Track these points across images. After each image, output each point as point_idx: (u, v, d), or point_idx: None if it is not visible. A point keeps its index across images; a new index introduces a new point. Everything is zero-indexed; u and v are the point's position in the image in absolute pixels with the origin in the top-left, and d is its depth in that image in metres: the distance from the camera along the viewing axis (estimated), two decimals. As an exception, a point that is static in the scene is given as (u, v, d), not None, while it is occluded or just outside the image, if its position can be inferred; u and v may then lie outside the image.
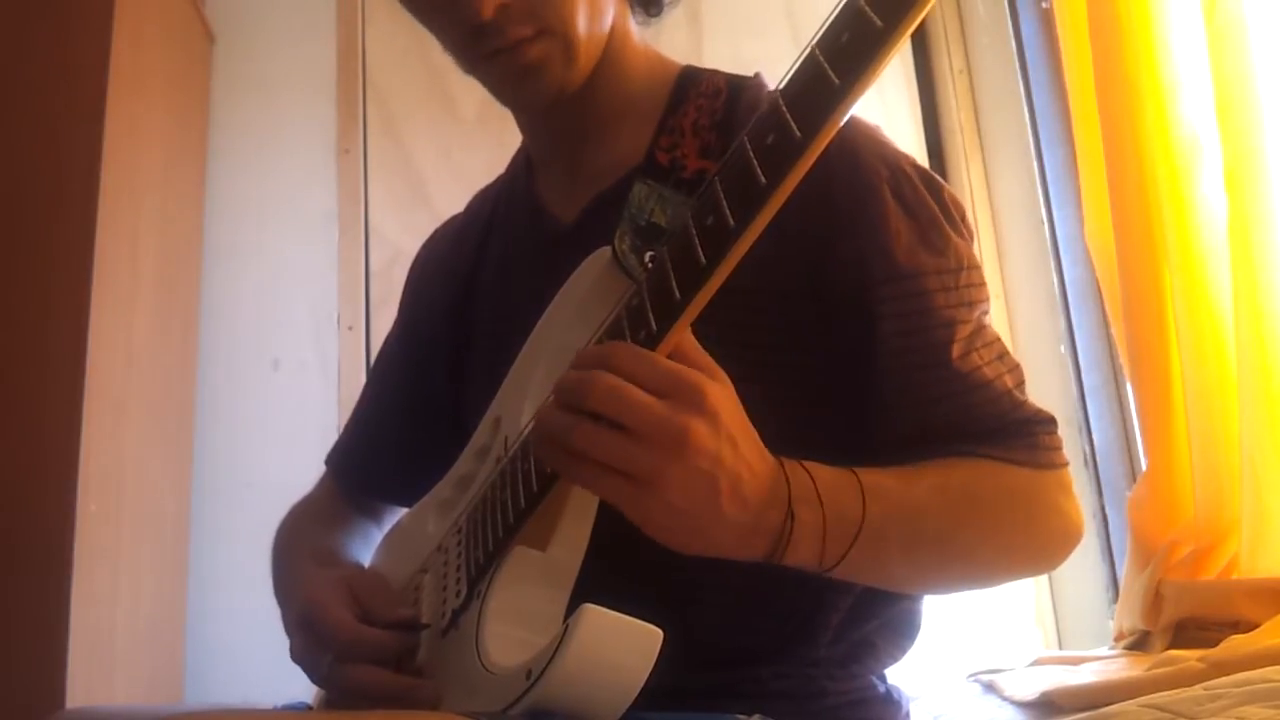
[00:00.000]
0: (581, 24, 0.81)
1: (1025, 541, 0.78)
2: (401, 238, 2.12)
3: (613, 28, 0.87)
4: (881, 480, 0.70)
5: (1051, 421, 0.80)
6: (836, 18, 0.55)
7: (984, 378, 0.77)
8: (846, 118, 0.56)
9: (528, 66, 0.82)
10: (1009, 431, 0.77)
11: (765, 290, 0.78)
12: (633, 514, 0.62)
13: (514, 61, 0.82)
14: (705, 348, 0.64)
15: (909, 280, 0.77)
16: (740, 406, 0.64)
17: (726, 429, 0.61)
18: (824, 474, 0.67)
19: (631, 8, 0.91)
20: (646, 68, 0.91)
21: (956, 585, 0.84)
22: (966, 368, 0.77)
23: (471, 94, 2.24)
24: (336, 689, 0.78)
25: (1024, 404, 0.79)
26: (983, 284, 0.82)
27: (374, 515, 1.07)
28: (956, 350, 0.77)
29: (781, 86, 0.58)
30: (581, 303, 0.77)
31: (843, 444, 0.73)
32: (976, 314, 0.80)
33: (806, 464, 0.67)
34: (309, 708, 0.90)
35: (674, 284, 0.61)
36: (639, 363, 0.61)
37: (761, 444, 0.65)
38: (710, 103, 0.86)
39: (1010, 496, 0.76)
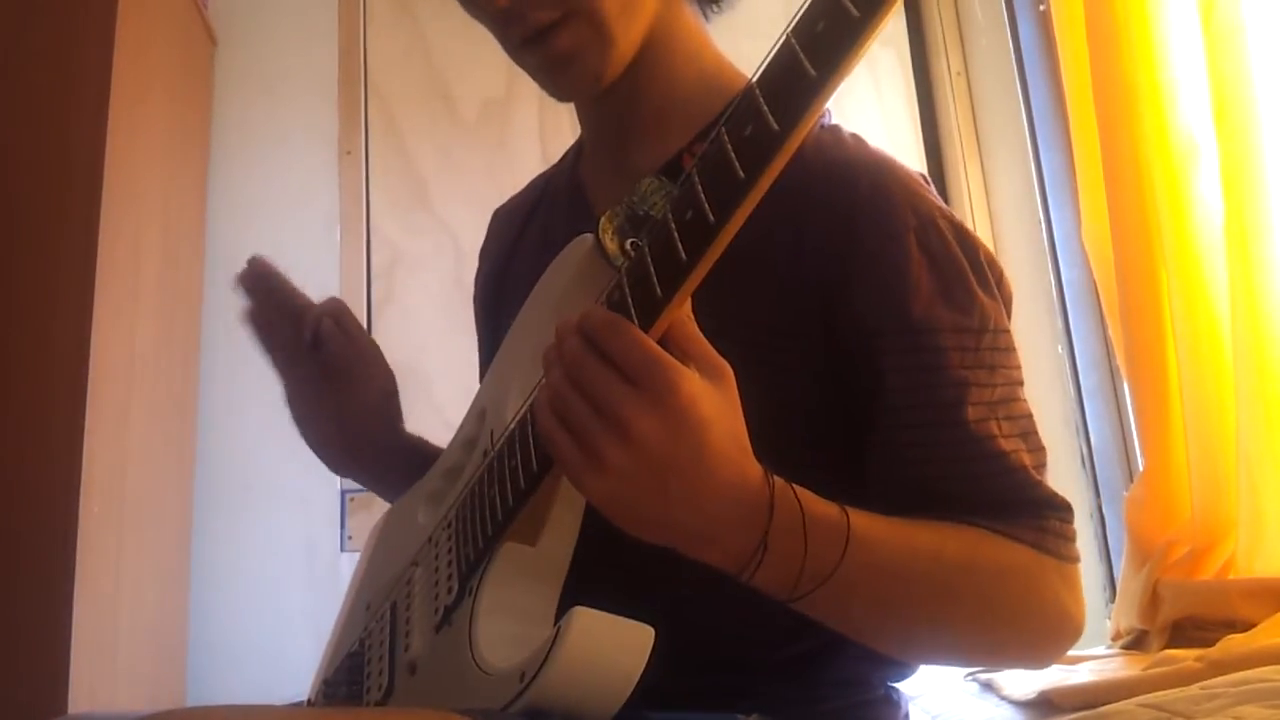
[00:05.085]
0: (611, 2, 0.78)
1: (1013, 630, 0.73)
2: (403, 239, 2.13)
3: (659, 15, 0.84)
4: (873, 531, 0.67)
5: (1067, 509, 0.75)
6: (812, 5, 0.53)
7: (998, 448, 0.73)
8: (825, 108, 0.55)
9: (559, 56, 0.80)
10: (1017, 509, 0.73)
11: (777, 310, 0.77)
12: (577, 487, 0.61)
13: (546, 52, 0.80)
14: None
15: (923, 335, 0.74)
16: (733, 411, 0.62)
17: (693, 432, 0.59)
18: (816, 510, 0.64)
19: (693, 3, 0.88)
20: (702, 71, 0.88)
21: (926, 655, 0.82)
22: (981, 433, 0.73)
23: (473, 96, 2.25)
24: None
25: (1039, 485, 0.74)
26: (1011, 350, 0.77)
27: None
28: (971, 413, 0.73)
29: (757, 76, 0.57)
30: (562, 293, 0.76)
31: (839, 478, 0.70)
32: (1000, 380, 0.75)
33: (802, 495, 0.64)
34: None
35: (655, 280, 0.61)
36: (622, 340, 0.59)
37: (747, 458, 0.62)
38: None
39: (1006, 576, 0.71)
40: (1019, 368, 0.78)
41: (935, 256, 0.76)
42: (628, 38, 0.81)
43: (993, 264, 0.79)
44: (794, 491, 0.64)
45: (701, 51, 0.89)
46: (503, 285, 0.99)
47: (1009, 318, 0.79)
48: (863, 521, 0.66)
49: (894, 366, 0.74)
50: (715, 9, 0.91)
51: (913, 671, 0.87)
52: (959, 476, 0.73)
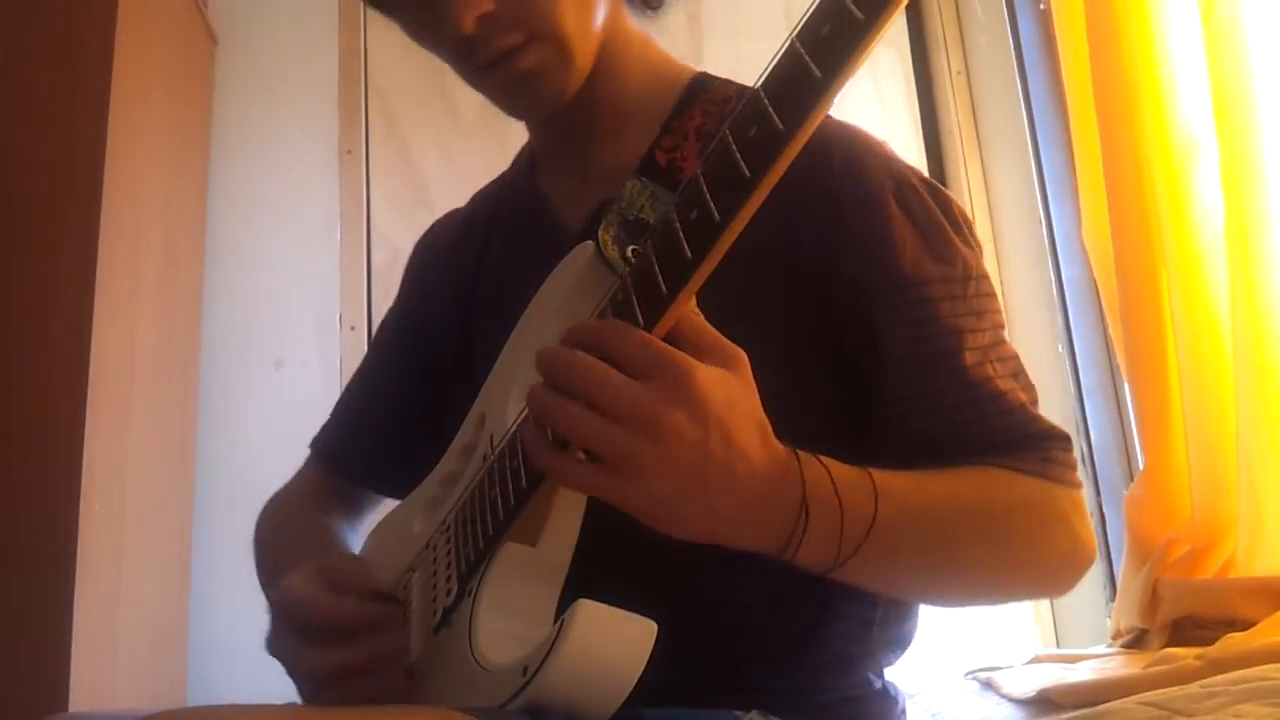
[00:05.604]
0: (572, 22, 0.80)
1: (1034, 556, 0.76)
2: (403, 238, 2.12)
3: (607, 27, 0.86)
4: (895, 483, 0.68)
5: (1066, 439, 0.78)
6: (817, 9, 0.55)
7: (997, 389, 0.76)
8: (829, 110, 0.56)
9: (523, 75, 0.81)
10: (1020, 444, 0.76)
11: (782, 295, 0.78)
12: (616, 501, 0.60)
13: (508, 72, 0.81)
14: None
15: (913, 289, 0.77)
16: (750, 394, 0.62)
17: (718, 417, 0.59)
18: (841, 472, 0.66)
19: (628, 5, 0.90)
20: (651, 69, 0.90)
21: (960, 597, 0.83)
22: (979, 376, 0.76)
23: (472, 95, 2.22)
24: (306, 674, 0.74)
25: (1038, 419, 0.78)
26: (993, 295, 0.81)
27: (355, 506, 1.06)
28: (969, 358, 0.76)
29: (763, 79, 0.58)
30: (564, 298, 0.76)
31: (856, 446, 0.72)
32: (987, 324, 0.79)
33: (825, 460, 0.65)
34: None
35: (660, 279, 0.61)
36: (626, 341, 0.60)
37: (770, 437, 0.63)
38: (718, 108, 0.84)
39: (1021, 507, 0.74)
40: (1000, 311, 0.81)
41: (914, 214, 0.79)
42: (587, 52, 0.83)
43: (964, 217, 0.83)
44: (819, 460, 0.65)
45: (646, 49, 0.91)
46: (471, 302, 0.98)
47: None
48: (883, 476, 0.68)
49: (889, 324, 0.77)
50: (651, 12, 0.92)
51: (905, 648, 0.88)
52: (963, 421, 0.76)
